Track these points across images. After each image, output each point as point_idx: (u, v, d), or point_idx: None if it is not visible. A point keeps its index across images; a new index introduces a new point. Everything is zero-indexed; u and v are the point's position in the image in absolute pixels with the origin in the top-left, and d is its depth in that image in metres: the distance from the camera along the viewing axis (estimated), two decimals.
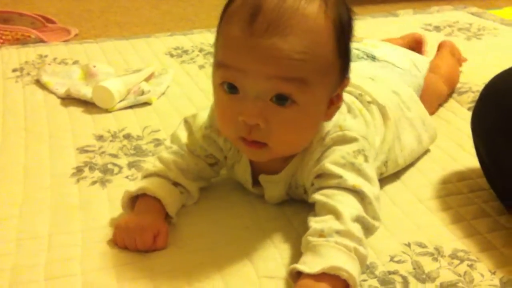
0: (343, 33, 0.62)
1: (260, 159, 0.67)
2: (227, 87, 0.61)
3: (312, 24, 0.59)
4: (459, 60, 1.13)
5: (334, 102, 0.65)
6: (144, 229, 0.65)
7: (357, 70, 0.73)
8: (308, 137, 0.66)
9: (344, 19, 0.62)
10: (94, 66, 1.11)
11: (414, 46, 1.15)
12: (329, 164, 0.65)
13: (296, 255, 0.64)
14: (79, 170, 0.82)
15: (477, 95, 0.73)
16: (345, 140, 0.66)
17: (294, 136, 0.64)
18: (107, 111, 1.00)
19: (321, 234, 0.60)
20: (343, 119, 0.69)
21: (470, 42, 1.33)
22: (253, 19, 0.58)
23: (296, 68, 0.58)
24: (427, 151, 0.85)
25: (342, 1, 0.62)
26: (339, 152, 0.65)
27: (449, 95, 1.04)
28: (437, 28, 1.46)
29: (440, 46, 1.13)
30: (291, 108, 0.60)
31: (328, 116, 0.66)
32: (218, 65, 0.63)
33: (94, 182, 0.79)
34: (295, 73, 0.59)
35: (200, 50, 1.31)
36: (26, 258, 0.64)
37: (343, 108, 0.69)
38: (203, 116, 0.74)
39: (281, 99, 0.60)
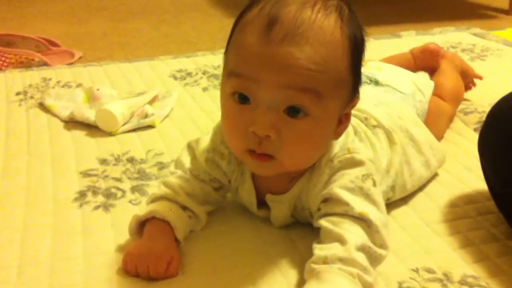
0: (356, 50, 0.62)
1: (266, 173, 0.65)
2: (239, 97, 0.60)
3: (328, 37, 0.59)
4: (466, 73, 1.10)
5: (343, 121, 0.65)
6: (157, 257, 0.64)
7: (362, 95, 0.73)
8: (317, 152, 0.65)
9: (358, 35, 0.62)
10: (98, 89, 1.11)
11: (428, 58, 1.11)
12: (338, 188, 0.64)
13: (302, 281, 0.63)
14: (82, 194, 0.81)
15: (483, 115, 0.73)
16: (353, 163, 0.65)
17: (304, 149, 0.62)
18: (110, 134, 1.00)
19: (324, 261, 0.59)
20: (351, 141, 0.68)
21: (474, 63, 1.33)
22: (270, 28, 0.57)
23: (311, 79, 0.58)
24: (434, 174, 0.84)
25: (356, 19, 0.62)
26: (348, 176, 0.64)
27: (460, 117, 1.03)
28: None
29: (443, 58, 1.10)
30: (303, 120, 0.59)
31: (337, 134, 0.65)
32: (230, 75, 0.61)
33: (97, 207, 0.78)
34: (309, 84, 0.58)
35: (204, 73, 1.31)
36: (27, 285, 0.63)
37: (350, 130, 0.69)
38: (206, 140, 0.74)
39: (293, 111, 0.59)
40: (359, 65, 0.64)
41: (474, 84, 1.13)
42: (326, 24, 0.59)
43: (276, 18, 0.58)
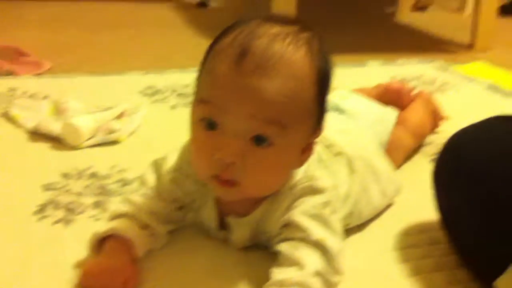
0: (323, 83, 0.64)
1: (230, 198, 0.67)
2: (207, 123, 0.62)
3: (297, 70, 0.61)
4: (435, 114, 1.12)
5: (306, 150, 0.67)
6: (114, 274, 0.64)
7: (326, 122, 0.76)
8: (280, 180, 0.67)
9: (326, 69, 0.65)
10: (65, 102, 1.11)
11: (392, 97, 1.12)
12: (297, 214, 0.66)
13: None
14: (42, 208, 0.81)
15: (439, 147, 0.76)
16: (314, 190, 0.68)
17: (267, 177, 0.65)
18: (75, 148, 1.00)
19: (281, 284, 0.60)
20: (313, 169, 0.70)
21: (434, 95, 1.37)
22: (241, 58, 0.59)
23: (278, 111, 0.60)
24: (390, 203, 0.87)
25: (325, 52, 0.65)
26: (308, 203, 0.67)
27: (417, 148, 1.06)
28: (404, 81, 1.51)
29: (416, 97, 1.13)
30: (268, 149, 0.62)
31: (300, 163, 0.68)
32: (200, 101, 0.63)
33: (57, 221, 0.78)
34: (276, 116, 0.60)
35: (173, 91, 1.33)
36: None
37: (313, 157, 0.71)
38: (172, 158, 0.75)
39: (259, 140, 0.61)
40: (325, 98, 0.66)
41: (439, 125, 1.14)
42: (296, 57, 0.61)
43: (248, 48, 0.60)
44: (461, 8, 2.63)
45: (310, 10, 2.36)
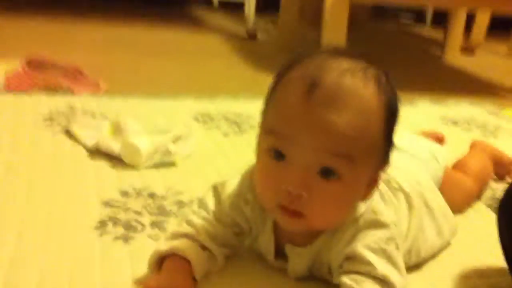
0: (391, 118, 0.65)
1: (294, 229, 0.68)
2: (274, 153, 0.63)
3: (366, 104, 0.62)
4: (501, 161, 1.11)
5: (372, 184, 0.67)
6: None
7: None
8: (345, 214, 0.67)
9: (394, 104, 0.65)
10: (124, 123, 1.13)
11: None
12: (361, 248, 0.66)
13: None
14: (102, 224, 0.83)
15: (496, 192, 0.75)
16: (378, 224, 0.68)
17: (333, 211, 0.65)
18: (133, 168, 1.02)
19: None
20: (376, 203, 0.70)
21: (486, 139, 1.36)
22: (312, 90, 0.60)
23: (347, 144, 0.61)
24: (447, 244, 0.86)
25: (392, 87, 0.66)
26: (372, 237, 0.66)
27: (481, 193, 1.03)
28: (455, 123, 1.50)
29: (472, 146, 1.14)
30: (335, 183, 0.62)
31: (365, 196, 0.68)
32: (268, 131, 0.64)
33: (117, 238, 0.80)
34: (344, 150, 0.61)
35: (226, 119, 1.35)
36: None
37: (376, 192, 0.71)
38: (233, 184, 0.76)
39: (327, 173, 0.62)
40: (392, 132, 0.67)
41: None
42: (365, 92, 0.62)
43: (319, 81, 0.61)
44: (510, 53, 2.61)
45: (359, 45, 2.38)
